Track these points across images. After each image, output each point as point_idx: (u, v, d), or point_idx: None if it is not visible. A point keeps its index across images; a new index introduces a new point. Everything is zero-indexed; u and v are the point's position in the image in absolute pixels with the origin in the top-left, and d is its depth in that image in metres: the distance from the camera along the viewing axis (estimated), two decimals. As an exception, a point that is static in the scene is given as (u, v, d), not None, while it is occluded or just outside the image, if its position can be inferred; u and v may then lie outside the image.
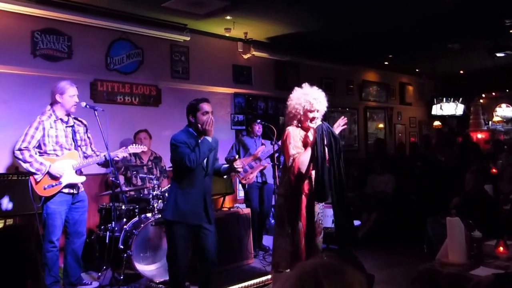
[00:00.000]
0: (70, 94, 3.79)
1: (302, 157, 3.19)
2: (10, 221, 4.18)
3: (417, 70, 9.97)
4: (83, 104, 3.97)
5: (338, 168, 3.19)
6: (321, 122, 3.25)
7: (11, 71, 4.64)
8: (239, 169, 3.36)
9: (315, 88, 3.32)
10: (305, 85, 3.34)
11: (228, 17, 5.69)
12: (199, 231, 3.26)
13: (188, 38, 6.04)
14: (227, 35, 6.35)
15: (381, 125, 9.79)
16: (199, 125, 3.20)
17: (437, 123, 10.88)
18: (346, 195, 3.34)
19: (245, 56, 6.83)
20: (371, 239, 5.50)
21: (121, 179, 4.63)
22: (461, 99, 10.32)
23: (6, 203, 4.08)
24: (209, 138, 3.19)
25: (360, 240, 5.44)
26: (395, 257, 4.94)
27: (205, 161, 3.26)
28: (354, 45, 7.23)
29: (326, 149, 3.16)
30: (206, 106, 3.24)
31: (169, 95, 5.91)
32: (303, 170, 3.18)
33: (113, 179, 4.10)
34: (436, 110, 10.40)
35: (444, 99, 10.26)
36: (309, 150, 3.21)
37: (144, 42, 5.70)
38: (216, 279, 3.43)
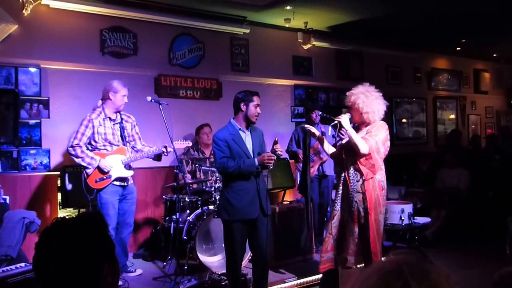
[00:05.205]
0: (122, 94, 4.01)
1: None
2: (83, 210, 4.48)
3: (494, 54, 9.14)
4: (149, 98, 4.15)
5: None
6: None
7: (82, 69, 4.90)
8: (279, 152, 3.26)
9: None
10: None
11: (288, 7, 5.56)
12: (253, 224, 3.26)
13: (247, 31, 6.01)
14: (287, 25, 6.22)
15: (452, 116, 9.13)
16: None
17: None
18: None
19: (305, 47, 6.67)
20: (442, 238, 5.21)
21: (189, 175, 4.75)
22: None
23: (67, 184, 4.47)
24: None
25: (430, 239, 5.17)
26: (470, 258, 4.61)
27: (253, 156, 3.26)
28: (423, 30, 6.76)
29: None
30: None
31: (229, 88, 5.92)
32: None
33: (177, 171, 4.20)
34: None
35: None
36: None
37: (205, 36, 5.75)
38: (268, 271, 3.40)
